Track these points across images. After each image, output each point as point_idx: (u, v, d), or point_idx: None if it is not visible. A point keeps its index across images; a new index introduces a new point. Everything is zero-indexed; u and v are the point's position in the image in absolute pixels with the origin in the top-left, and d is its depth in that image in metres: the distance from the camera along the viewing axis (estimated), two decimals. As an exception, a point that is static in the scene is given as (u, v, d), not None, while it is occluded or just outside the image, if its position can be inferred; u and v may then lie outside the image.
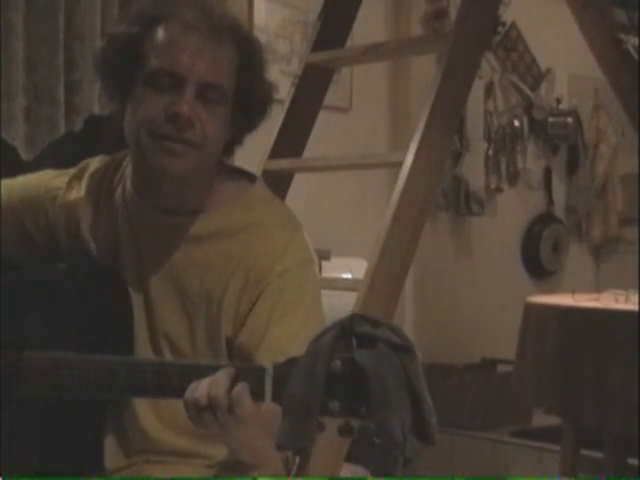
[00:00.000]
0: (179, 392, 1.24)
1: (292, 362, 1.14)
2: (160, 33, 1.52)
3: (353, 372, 1.09)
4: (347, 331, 1.12)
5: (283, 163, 2.74)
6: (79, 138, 3.03)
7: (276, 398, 1.16)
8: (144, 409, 1.59)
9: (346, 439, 1.10)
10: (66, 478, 1.50)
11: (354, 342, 1.11)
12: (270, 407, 1.19)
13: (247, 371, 1.20)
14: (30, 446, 1.49)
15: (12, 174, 1.79)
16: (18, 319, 1.47)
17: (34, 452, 1.50)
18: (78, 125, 3.02)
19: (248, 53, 1.57)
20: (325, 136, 3.19)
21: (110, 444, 1.60)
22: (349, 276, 3.33)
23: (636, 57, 3.29)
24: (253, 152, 2.68)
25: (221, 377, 1.22)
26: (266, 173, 2.65)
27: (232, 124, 1.58)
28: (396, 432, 1.05)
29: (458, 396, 4.16)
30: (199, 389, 1.23)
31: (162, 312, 1.59)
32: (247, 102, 1.57)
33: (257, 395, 1.19)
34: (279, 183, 2.67)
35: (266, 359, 1.21)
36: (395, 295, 2.39)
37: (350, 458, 2.26)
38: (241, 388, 1.20)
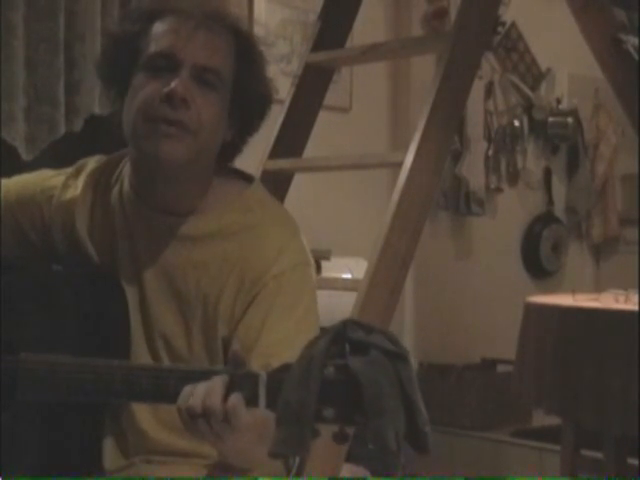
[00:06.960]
0: (175, 398, 1.23)
1: (285, 368, 1.13)
2: (157, 25, 1.54)
3: (347, 379, 1.09)
4: (340, 337, 1.11)
5: (283, 163, 2.74)
6: (79, 138, 3.03)
7: (270, 405, 1.15)
8: (142, 410, 1.58)
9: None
10: (66, 478, 1.50)
11: (347, 348, 1.10)
12: (263, 414, 1.18)
13: (241, 378, 1.19)
14: (29, 447, 1.49)
15: (12, 174, 1.79)
16: (14, 321, 1.47)
17: (33, 453, 1.50)
18: (78, 125, 3.02)
19: (245, 45, 1.57)
20: (325, 136, 3.18)
21: (109, 445, 1.60)
22: (349, 276, 3.32)
23: (636, 57, 3.30)
24: (253, 152, 2.68)
25: (216, 385, 1.21)
26: (266, 173, 2.66)
27: (231, 124, 1.57)
28: (390, 440, 1.05)
29: (458, 396, 4.15)
30: (194, 396, 1.22)
31: (158, 312, 1.59)
32: (246, 98, 1.57)
33: (251, 402, 1.18)
34: (279, 183, 2.67)
35: (259, 362, 1.20)
36: (395, 295, 2.39)
37: (350, 458, 2.26)
38: (236, 398, 1.19)
